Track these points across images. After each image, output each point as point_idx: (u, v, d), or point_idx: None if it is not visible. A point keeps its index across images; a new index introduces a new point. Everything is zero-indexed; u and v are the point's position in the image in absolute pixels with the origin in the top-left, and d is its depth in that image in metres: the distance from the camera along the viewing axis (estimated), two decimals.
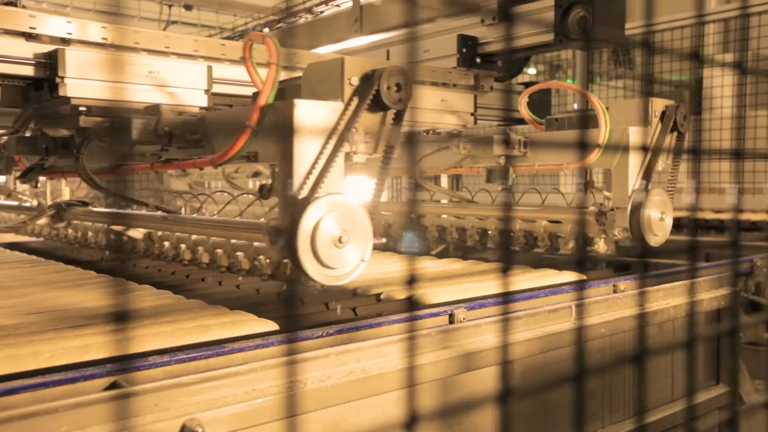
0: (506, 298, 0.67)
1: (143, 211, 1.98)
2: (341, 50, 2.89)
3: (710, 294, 1.93)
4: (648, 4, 0.83)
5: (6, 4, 1.68)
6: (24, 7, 1.70)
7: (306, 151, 1.32)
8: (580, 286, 1.49)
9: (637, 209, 1.94)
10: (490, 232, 2.33)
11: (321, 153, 1.32)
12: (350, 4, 2.95)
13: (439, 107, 2.25)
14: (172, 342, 1.19)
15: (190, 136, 1.57)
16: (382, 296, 1.63)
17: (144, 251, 2.05)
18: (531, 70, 5.44)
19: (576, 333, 1.42)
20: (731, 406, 1.98)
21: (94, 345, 1.14)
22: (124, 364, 1.00)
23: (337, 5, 4.21)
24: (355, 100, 1.35)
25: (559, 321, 1.52)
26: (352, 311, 1.50)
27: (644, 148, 2.00)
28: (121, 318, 0.58)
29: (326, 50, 2.94)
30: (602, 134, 1.96)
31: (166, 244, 1.92)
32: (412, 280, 1.17)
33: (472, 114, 2.32)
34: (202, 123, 1.59)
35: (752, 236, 3.41)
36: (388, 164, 1.43)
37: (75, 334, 1.21)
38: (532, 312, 1.49)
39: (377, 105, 1.37)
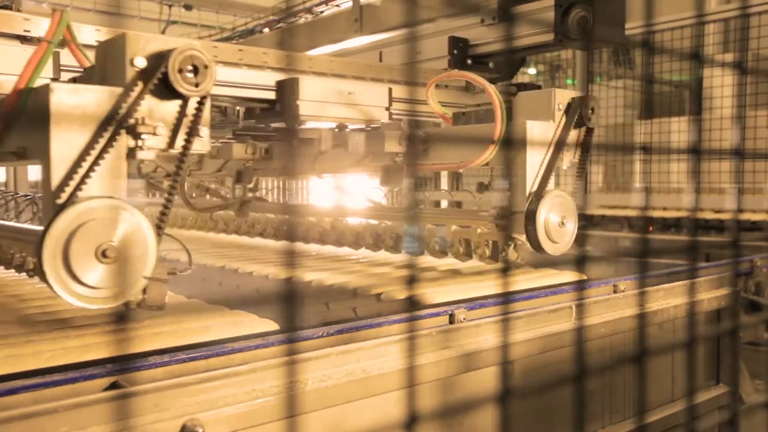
0: (506, 298, 0.67)
1: None
2: (341, 50, 2.89)
3: (710, 294, 1.93)
4: (648, 4, 0.83)
5: (1, 7, 1.68)
6: (19, 10, 1.71)
7: (66, 146, 1.10)
8: (580, 286, 1.49)
9: (532, 213, 1.74)
10: (386, 234, 2.20)
11: (89, 148, 1.11)
12: (350, 4, 2.95)
13: (343, 101, 2.01)
14: (172, 342, 1.19)
15: None
16: (382, 296, 1.64)
17: None
18: (531, 70, 5.44)
19: (576, 333, 1.42)
20: (731, 406, 1.98)
21: (94, 345, 1.14)
22: (124, 364, 1.00)
23: (337, 5, 4.22)
24: (139, 85, 1.13)
25: (559, 321, 1.52)
26: (353, 311, 1.51)
27: (544, 144, 1.80)
28: (121, 318, 0.58)
29: (326, 50, 2.94)
30: (498, 129, 1.74)
31: None
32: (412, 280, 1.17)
33: (387, 108, 2.13)
34: None
35: (752, 236, 3.42)
36: (182, 162, 1.21)
37: (75, 334, 1.21)
38: (532, 312, 1.49)
39: (170, 91, 1.15)
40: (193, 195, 2.73)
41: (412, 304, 1.30)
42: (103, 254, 1.10)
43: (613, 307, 1.67)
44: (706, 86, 4.13)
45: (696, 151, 0.97)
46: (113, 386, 1.02)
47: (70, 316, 1.32)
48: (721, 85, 3.98)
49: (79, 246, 1.09)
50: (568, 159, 1.84)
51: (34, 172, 5.18)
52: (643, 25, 0.86)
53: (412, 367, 1.10)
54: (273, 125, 2.14)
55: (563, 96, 1.82)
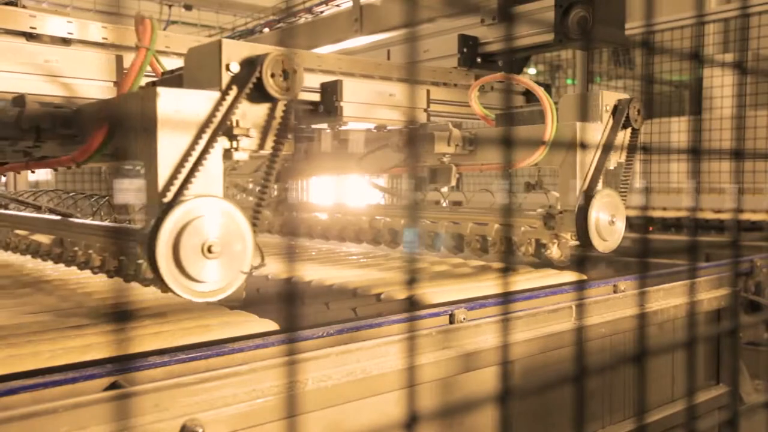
0: (506, 298, 0.67)
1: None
2: (341, 50, 2.89)
3: (710, 294, 1.93)
4: (648, 4, 0.83)
5: (6, 3, 1.68)
6: (24, 7, 1.71)
7: (171, 147, 1.16)
8: (580, 286, 1.49)
9: (583, 212, 1.79)
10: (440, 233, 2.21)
11: (191, 149, 1.17)
12: (350, 4, 2.95)
13: (384, 102, 2.06)
14: (172, 342, 1.19)
15: (63, 131, 1.42)
16: (382, 296, 1.64)
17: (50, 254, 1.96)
18: (531, 70, 5.44)
19: (576, 333, 1.42)
20: (731, 406, 1.98)
21: (94, 345, 1.14)
22: (124, 364, 1.00)
23: (337, 5, 4.22)
24: (234, 89, 1.20)
25: (559, 321, 1.52)
26: (353, 311, 1.51)
27: (593, 146, 1.85)
28: (121, 318, 0.58)
29: (326, 50, 2.94)
30: (548, 130, 1.81)
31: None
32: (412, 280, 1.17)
33: (425, 110, 2.19)
34: (77, 116, 1.44)
35: (752, 236, 3.41)
36: (274, 162, 1.27)
37: (75, 334, 1.21)
38: (533, 312, 1.49)
39: (261, 95, 1.22)
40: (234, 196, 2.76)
41: (412, 304, 1.30)
42: (209, 250, 1.16)
43: (613, 307, 1.67)
44: (706, 86, 4.13)
45: (696, 151, 0.97)
46: (113, 386, 1.02)
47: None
48: (721, 85, 3.98)
49: (188, 242, 1.15)
50: (615, 159, 1.90)
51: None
52: (643, 25, 0.86)
53: (412, 367, 1.10)
54: (313, 126, 2.17)
55: (610, 98, 1.87)
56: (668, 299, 1.78)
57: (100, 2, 5.84)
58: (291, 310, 0.91)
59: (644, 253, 0.99)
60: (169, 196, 1.15)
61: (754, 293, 2.17)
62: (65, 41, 1.69)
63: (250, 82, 1.18)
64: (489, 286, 1.71)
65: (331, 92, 1.93)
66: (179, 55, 1.85)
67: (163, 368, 1.07)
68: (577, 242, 1.86)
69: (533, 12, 2.22)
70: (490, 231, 2.05)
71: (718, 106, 4.06)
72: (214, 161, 1.19)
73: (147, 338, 1.18)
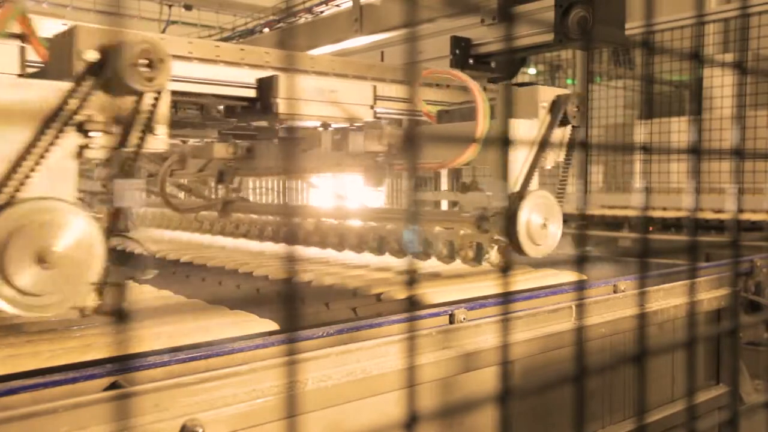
0: (506, 298, 0.67)
1: None
2: (341, 50, 2.89)
3: (710, 294, 1.93)
4: (648, 4, 0.83)
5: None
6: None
7: (5, 142, 1.04)
8: (580, 286, 1.49)
9: (512, 214, 1.68)
10: (368, 236, 2.15)
11: (32, 145, 1.05)
12: (350, 4, 2.94)
13: (325, 98, 1.96)
14: (172, 342, 1.19)
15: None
16: (382, 296, 1.64)
17: None
18: (531, 70, 5.44)
19: (576, 333, 1.42)
20: (731, 406, 1.98)
21: (94, 345, 1.14)
22: (124, 364, 1.00)
23: (337, 5, 4.22)
24: (89, 79, 1.09)
25: (559, 321, 1.52)
26: (352, 311, 1.51)
27: (527, 144, 1.75)
28: (121, 318, 0.58)
29: (326, 50, 2.94)
30: (480, 127, 1.68)
31: None
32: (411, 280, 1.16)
33: (371, 107, 2.06)
34: None
35: (752, 236, 3.41)
36: (134, 159, 1.16)
37: (75, 334, 1.21)
38: (533, 312, 1.49)
39: (123, 86, 1.10)
40: (177, 196, 2.73)
41: (412, 304, 1.30)
42: (42, 259, 1.04)
43: (613, 307, 1.67)
44: (706, 86, 4.12)
45: (696, 151, 0.97)
46: (113, 386, 1.01)
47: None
48: (721, 85, 3.98)
49: (15, 249, 1.03)
50: (553, 158, 1.80)
51: None
52: (643, 25, 0.86)
53: (412, 367, 1.10)
54: (254, 124, 2.13)
55: (547, 93, 1.77)
56: (668, 299, 1.78)
57: (100, 2, 5.84)
58: (289, 310, 0.91)
59: (644, 253, 0.99)
60: (2, 198, 1.03)
61: (754, 293, 2.17)
62: None
63: (105, 71, 1.07)
64: (489, 286, 1.71)
65: (267, 88, 1.86)
66: (202, 60, 1.83)
67: (163, 368, 1.07)
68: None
69: (533, 12, 2.22)
70: (430, 234, 1.96)
71: (718, 106, 4.06)
72: (62, 159, 1.06)
73: (147, 338, 1.18)
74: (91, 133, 1.09)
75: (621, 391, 1.71)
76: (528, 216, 1.70)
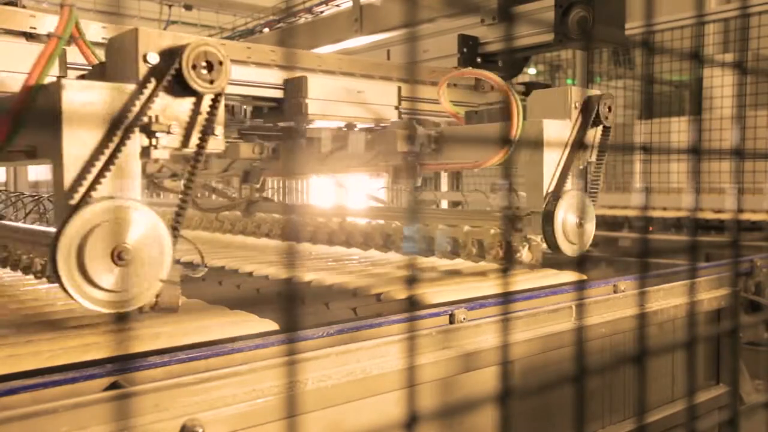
0: (506, 298, 0.67)
1: None
2: (341, 50, 2.89)
3: (710, 294, 1.92)
4: (648, 4, 0.83)
5: (6, 3, 1.68)
6: (24, 6, 1.70)
7: (80, 145, 1.07)
8: (580, 286, 1.49)
9: (550, 214, 1.72)
10: (396, 235, 2.15)
11: (102, 147, 1.08)
12: (350, 4, 2.95)
13: (351, 99, 1.99)
14: (172, 342, 1.19)
15: None
16: (382, 296, 1.63)
17: None
18: (531, 70, 5.44)
19: (576, 333, 1.42)
20: (731, 406, 1.98)
21: (94, 345, 1.14)
22: (124, 364, 1.00)
23: (337, 5, 4.22)
24: (153, 82, 1.11)
25: (559, 321, 1.52)
26: (353, 311, 1.51)
27: (560, 144, 1.77)
28: (121, 318, 0.58)
29: (326, 50, 2.94)
30: (514, 128, 1.71)
31: None
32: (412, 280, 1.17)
33: (396, 107, 2.11)
34: None
35: (752, 236, 3.41)
36: (198, 162, 1.20)
37: (75, 334, 1.20)
38: (533, 312, 1.49)
39: (184, 88, 1.13)
40: (199, 195, 2.73)
41: (412, 304, 1.30)
42: (119, 256, 1.08)
43: (613, 307, 1.67)
44: (706, 86, 4.13)
45: (696, 151, 0.97)
46: (113, 386, 1.01)
47: (66, 317, 1.32)
48: (721, 85, 3.98)
49: (93, 248, 1.07)
50: (585, 158, 1.83)
51: (34, 172, 5.17)
52: (643, 25, 0.86)
53: (412, 367, 1.10)
54: (280, 124, 2.14)
55: (579, 94, 1.80)
56: (668, 299, 1.78)
57: (100, 2, 5.84)
58: (290, 310, 0.91)
59: (644, 254, 0.99)
60: (76, 197, 1.06)
61: (754, 293, 2.17)
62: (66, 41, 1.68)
63: (168, 74, 1.09)
64: (489, 286, 1.71)
65: (295, 89, 1.88)
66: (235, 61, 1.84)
67: (163, 368, 1.07)
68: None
69: (533, 12, 2.22)
70: (460, 233, 1.96)
71: (718, 106, 4.06)
72: (129, 160, 1.10)
73: (147, 338, 1.18)
74: (156, 135, 1.13)
75: (621, 391, 1.71)
76: (564, 215, 1.74)
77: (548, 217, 1.73)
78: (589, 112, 1.79)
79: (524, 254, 1.83)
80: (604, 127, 1.82)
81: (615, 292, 1.77)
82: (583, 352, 0.79)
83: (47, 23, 1.66)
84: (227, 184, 2.72)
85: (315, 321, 1.39)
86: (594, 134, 1.83)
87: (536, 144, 1.77)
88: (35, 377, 0.98)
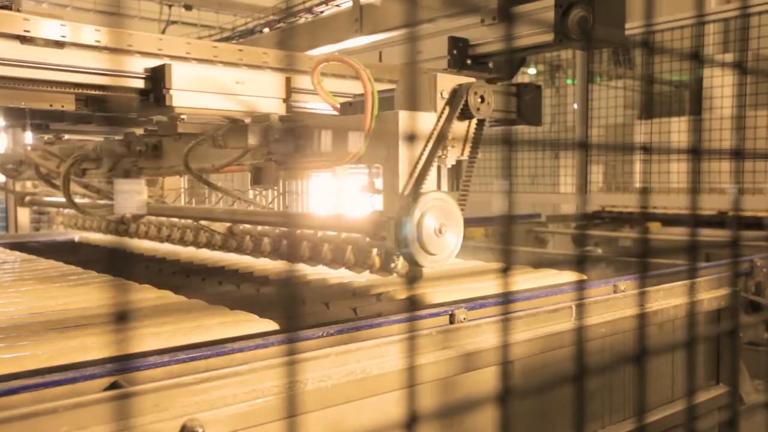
0: (506, 298, 0.67)
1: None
2: (341, 50, 2.89)
3: (710, 294, 1.92)
4: (648, 4, 0.83)
5: (1, 7, 1.68)
6: (19, 10, 1.71)
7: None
8: (580, 286, 1.48)
9: (404, 219, 1.47)
10: (265, 239, 1.99)
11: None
12: (350, 4, 2.94)
13: (227, 91, 1.80)
14: (172, 342, 1.19)
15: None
16: (382, 296, 1.64)
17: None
18: (531, 70, 5.44)
19: (576, 333, 1.42)
20: (731, 406, 1.98)
21: (94, 345, 1.14)
22: (124, 364, 1.00)
23: (337, 5, 4.22)
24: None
25: (559, 321, 1.52)
26: (352, 311, 1.51)
27: (421, 139, 1.53)
28: (120, 318, 0.58)
29: (326, 50, 2.94)
30: (368, 121, 1.49)
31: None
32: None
33: (285, 100, 1.90)
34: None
35: (753, 235, 3.41)
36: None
37: (75, 334, 1.20)
38: (532, 312, 1.49)
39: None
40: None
41: (413, 304, 1.30)
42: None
43: (613, 307, 1.67)
44: (706, 86, 4.12)
45: (696, 151, 0.97)
46: (113, 386, 1.02)
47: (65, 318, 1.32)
48: (721, 85, 3.98)
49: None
50: (455, 155, 1.60)
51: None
52: (643, 25, 0.86)
53: (412, 367, 1.10)
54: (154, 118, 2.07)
55: (447, 82, 1.56)
56: (668, 299, 1.78)
57: (100, 2, 5.84)
58: (291, 310, 0.91)
59: (644, 254, 0.99)
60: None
61: (754, 293, 2.17)
62: (59, 44, 1.68)
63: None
64: (489, 286, 1.71)
65: (158, 78, 1.69)
66: (171, 57, 1.82)
67: (163, 368, 1.07)
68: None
69: (533, 12, 2.22)
70: (338, 241, 1.77)
71: (718, 106, 4.06)
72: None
73: (147, 338, 1.18)
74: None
75: (621, 391, 1.71)
76: (421, 221, 1.48)
77: (401, 223, 1.47)
78: (457, 103, 1.54)
79: (400, 264, 1.62)
80: (478, 120, 1.59)
81: (615, 292, 1.77)
82: (583, 352, 0.79)
83: (41, 27, 1.66)
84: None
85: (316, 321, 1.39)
86: (465, 128, 1.60)
87: (393, 139, 1.51)
88: (35, 377, 0.99)
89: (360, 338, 1.27)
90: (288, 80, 1.92)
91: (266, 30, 5.44)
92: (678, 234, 3.68)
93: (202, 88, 1.77)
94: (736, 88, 3.60)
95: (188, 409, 0.97)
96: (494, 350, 1.33)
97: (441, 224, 1.51)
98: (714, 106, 4.10)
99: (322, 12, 4.27)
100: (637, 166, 4.54)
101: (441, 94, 1.55)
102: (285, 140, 1.71)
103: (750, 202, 3.69)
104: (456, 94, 1.56)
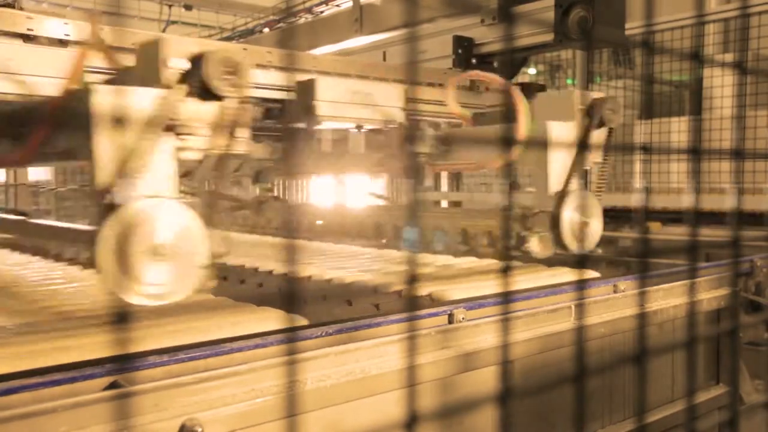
0: (506, 298, 0.67)
1: None
2: (341, 50, 2.89)
3: (710, 294, 1.92)
4: (648, 4, 0.83)
5: (4, 5, 1.68)
6: (22, 8, 1.70)
7: (111, 146, 1.13)
8: (580, 286, 1.48)
9: (557, 213, 1.80)
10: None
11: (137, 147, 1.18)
12: (350, 4, 2.94)
13: (356, 101, 2.04)
14: (200, 337, 1.20)
15: (13, 130, 1.41)
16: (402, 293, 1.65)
17: None
18: (531, 70, 5.44)
19: (576, 333, 1.42)
20: (731, 406, 1.97)
21: (133, 338, 1.15)
22: (123, 364, 1.00)
23: (337, 5, 4.22)
24: (178, 87, 1.19)
25: (558, 321, 1.52)
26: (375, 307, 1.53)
27: (567, 145, 1.88)
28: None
29: (326, 50, 2.94)
30: (521, 129, 1.78)
31: None
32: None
33: (404, 109, 2.15)
34: (28, 115, 1.40)
35: (754, 234, 3.40)
36: (224, 162, 1.32)
37: (77, 334, 1.20)
38: (532, 312, 1.49)
39: (208, 93, 1.22)
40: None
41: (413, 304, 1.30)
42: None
43: (612, 307, 1.67)
44: (706, 86, 4.12)
45: (696, 151, 0.97)
46: (113, 386, 1.01)
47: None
48: (721, 85, 3.98)
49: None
50: (591, 159, 1.91)
51: (34, 172, 5.16)
52: (643, 25, 0.86)
53: (412, 367, 1.10)
54: (288, 126, 2.16)
55: (584, 97, 1.87)
56: (668, 299, 1.78)
57: (100, 2, 5.84)
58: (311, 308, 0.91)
59: (644, 253, 0.99)
60: (109, 197, 1.12)
61: (754, 293, 2.17)
62: (62, 42, 1.68)
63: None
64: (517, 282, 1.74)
65: (306, 91, 1.91)
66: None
67: (163, 368, 1.07)
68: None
69: (533, 12, 2.22)
70: (475, 228, 2.08)
71: (718, 106, 4.06)
72: (163, 160, 1.15)
73: (175, 334, 1.20)
74: (184, 137, 1.19)
75: (621, 391, 1.71)
76: (571, 214, 1.83)
77: (556, 216, 1.80)
78: (593, 115, 1.84)
79: (533, 244, 1.91)
80: (609, 128, 1.88)
81: (615, 292, 1.77)
82: (582, 352, 0.79)
83: (44, 25, 1.66)
84: (237, 184, 2.74)
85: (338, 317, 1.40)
86: (598, 136, 1.89)
87: (543, 145, 1.83)
88: (35, 377, 0.98)
89: (359, 338, 1.27)
90: (406, 91, 2.13)
91: (266, 30, 5.44)
92: (678, 234, 3.67)
93: (344, 100, 1.96)
94: (736, 88, 3.60)
95: (187, 409, 0.97)
96: (493, 350, 1.33)
97: (586, 216, 1.85)
98: (714, 106, 4.09)
99: (322, 12, 4.27)
100: (637, 166, 4.53)
101: (579, 107, 1.84)
102: (445, 145, 2.03)
103: (750, 202, 3.68)
104: (593, 107, 1.84)
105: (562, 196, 1.80)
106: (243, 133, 1.24)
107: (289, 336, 1.04)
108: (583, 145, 1.84)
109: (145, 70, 1.20)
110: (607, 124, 1.86)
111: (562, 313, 1.54)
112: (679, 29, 3.77)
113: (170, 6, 6.50)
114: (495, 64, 2.48)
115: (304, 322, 1.32)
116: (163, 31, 6.25)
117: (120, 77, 1.32)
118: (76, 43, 1.65)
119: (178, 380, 0.99)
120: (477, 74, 2.21)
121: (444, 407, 1.29)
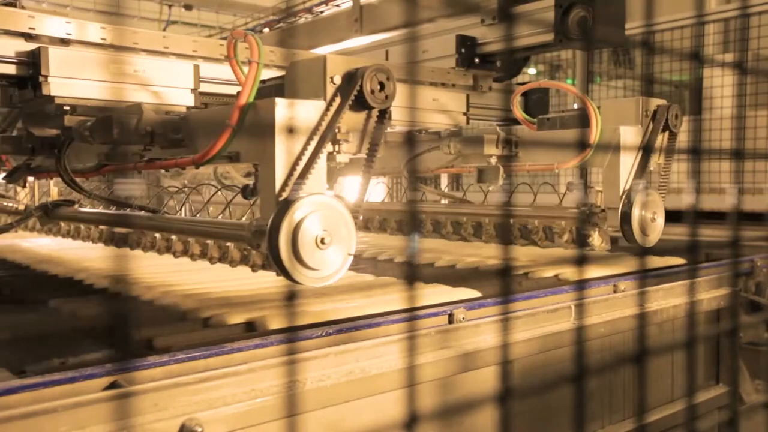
0: (506, 298, 0.67)
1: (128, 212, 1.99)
2: (341, 50, 2.89)
3: (710, 294, 1.92)
4: (648, 4, 0.83)
5: (5, 4, 1.68)
6: (23, 7, 1.71)
7: (287, 151, 1.30)
8: (580, 286, 1.48)
9: (628, 210, 1.95)
10: (484, 225, 2.42)
11: (302, 152, 1.30)
12: (350, 4, 2.94)
13: (430, 107, 2.25)
14: (382, 308, 1.42)
15: (173, 136, 1.54)
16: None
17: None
18: (531, 70, 5.44)
19: (575, 333, 1.42)
20: (731, 406, 1.98)
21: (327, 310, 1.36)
22: (123, 364, 1.00)
23: (337, 5, 4.22)
24: (338, 99, 1.34)
25: (558, 321, 1.52)
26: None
27: (635, 148, 2.01)
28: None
29: (326, 50, 2.94)
30: (593, 134, 1.98)
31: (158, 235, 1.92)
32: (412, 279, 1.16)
33: (465, 114, 2.34)
34: (184, 122, 1.57)
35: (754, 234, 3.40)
36: (371, 164, 1.42)
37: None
38: (532, 312, 1.49)
39: (360, 104, 1.36)
40: None
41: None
42: (321, 241, 1.33)
43: (612, 307, 1.67)
44: (706, 86, 4.12)
45: (696, 151, 0.97)
46: (112, 386, 1.01)
47: None
48: (721, 85, 3.98)
49: (304, 236, 1.34)
50: (654, 161, 2.05)
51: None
52: (643, 25, 0.86)
53: (412, 367, 1.10)
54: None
55: (650, 104, 2.02)
56: (668, 299, 1.78)
57: (100, 2, 5.84)
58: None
59: (643, 253, 0.99)
60: (285, 194, 1.28)
61: (754, 293, 2.17)
62: (64, 42, 1.68)
63: (352, 93, 1.33)
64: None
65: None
66: (176, 55, 1.85)
67: (162, 368, 1.07)
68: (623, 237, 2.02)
69: (533, 12, 2.22)
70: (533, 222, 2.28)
71: (718, 106, 4.06)
72: (321, 163, 1.33)
73: (375, 305, 1.42)
74: (340, 142, 1.36)
75: (621, 391, 1.71)
76: (640, 211, 1.97)
77: (626, 213, 1.96)
78: (658, 120, 2.01)
79: (595, 238, 2.07)
80: (671, 132, 2.05)
81: (615, 292, 1.77)
82: (582, 352, 0.79)
83: (46, 24, 1.66)
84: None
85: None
86: (662, 139, 2.06)
87: (612, 148, 2.00)
88: (35, 377, 0.98)
89: (359, 338, 1.27)
90: (468, 97, 2.37)
91: (266, 30, 5.44)
92: (678, 234, 3.67)
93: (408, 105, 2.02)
94: (736, 88, 3.59)
95: (187, 409, 0.97)
96: (493, 350, 1.33)
97: (653, 213, 1.99)
98: (714, 106, 4.09)
99: (322, 12, 4.27)
100: None
101: (646, 113, 2.02)
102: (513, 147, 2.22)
103: (750, 202, 3.68)
104: (657, 113, 2.02)
105: (630, 194, 1.96)
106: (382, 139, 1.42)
107: (289, 336, 1.04)
108: (649, 148, 2.01)
109: (306, 84, 1.36)
110: (672, 128, 2.03)
111: (562, 313, 1.54)
112: (679, 29, 3.77)
113: (170, 6, 6.50)
114: (498, 63, 2.49)
115: (476, 294, 1.57)
116: (163, 30, 6.26)
117: (266, 90, 1.47)
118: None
119: (178, 380, 0.99)
120: (548, 83, 2.35)
121: (444, 407, 1.29)
